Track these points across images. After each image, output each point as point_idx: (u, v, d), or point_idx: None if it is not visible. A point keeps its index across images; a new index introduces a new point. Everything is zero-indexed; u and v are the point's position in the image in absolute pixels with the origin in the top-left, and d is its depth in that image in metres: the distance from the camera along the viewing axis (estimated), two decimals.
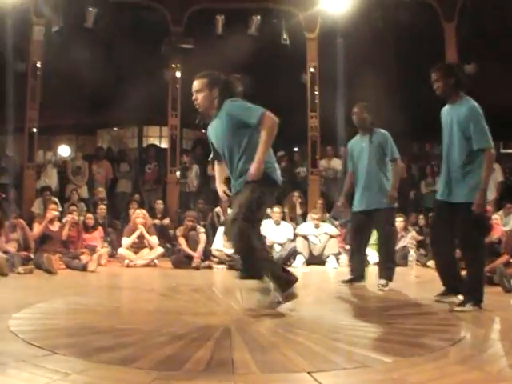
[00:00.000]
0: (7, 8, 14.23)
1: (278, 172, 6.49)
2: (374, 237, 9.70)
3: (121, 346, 4.85)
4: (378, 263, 9.22)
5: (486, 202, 6.67)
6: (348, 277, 9.20)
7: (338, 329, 5.80)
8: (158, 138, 23.61)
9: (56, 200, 14.32)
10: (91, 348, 4.74)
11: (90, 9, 15.44)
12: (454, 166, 6.82)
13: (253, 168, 6.04)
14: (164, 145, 20.57)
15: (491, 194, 12.85)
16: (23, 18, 14.91)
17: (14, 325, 5.57)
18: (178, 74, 16.55)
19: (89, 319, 6.07)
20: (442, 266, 7.21)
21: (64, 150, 21.89)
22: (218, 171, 6.92)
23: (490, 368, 4.28)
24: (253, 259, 6.20)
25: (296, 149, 20.02)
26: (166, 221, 15.13)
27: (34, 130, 15.40)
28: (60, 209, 13.87)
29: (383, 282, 8.69)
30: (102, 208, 14.55)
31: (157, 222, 14.71)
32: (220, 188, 6.84)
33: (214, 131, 6.47)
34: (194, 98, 6.40)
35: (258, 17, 16.14)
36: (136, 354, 4.59)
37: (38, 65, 15.43)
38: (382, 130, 9.02)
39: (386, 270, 8.82)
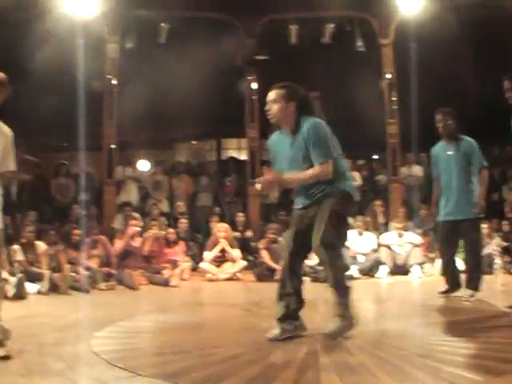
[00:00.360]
0: (80, 26, 14.31)
1: (351, 183, 6.14)
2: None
3: (206, 366, 4.74)
4: (464, 272, 8.92)
5: None
6: (445, 288, 8.92)
7: (425, 344, 5.56)
8: (237, 150, 23.54)
9: (137, 215, 14.31)
10: (176, 368, 4.64)
11: (163, 24, 15.44)
12: None
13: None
14: (243, 157, 20.46)
15: None
16: (96, 36, 14.98)
17: (96, 345, 5.51)
18: (255, 86, 16.43)
19: (172, 338, 5.98)
20: None
21: (143, 165, 21.96)
22: None
23: None
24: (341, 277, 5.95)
25: (375, 156, 19.71)
26: (248, 233, 14.99)
27: (113, 146, 15.43)
28: (141, 224, 13.87)
29: (470, 292, 8.43)
30: (183, 222, 14.48)
31: (238, 234, 14.59)
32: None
33: (281, 144, 6.11)
34: (267, 107, 6.06)
35: (332, 25, 15.89)
36: (222, 374, 4.47)
37: (114, 82, 15.48)
38: (468, 138, 8.74)
39: (473, 279, 8.56)
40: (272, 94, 6.01)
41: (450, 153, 8.78)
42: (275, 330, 5.73)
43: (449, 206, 8.73)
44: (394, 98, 15.97)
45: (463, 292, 8.53)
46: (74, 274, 10.65)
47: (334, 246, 5.72)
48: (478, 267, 8.70)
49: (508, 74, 6.67)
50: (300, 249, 5.90)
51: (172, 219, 15.46)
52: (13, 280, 9.35)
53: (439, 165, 9.00)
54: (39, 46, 14.34)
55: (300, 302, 5.97)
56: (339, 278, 5.78)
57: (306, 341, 5.57)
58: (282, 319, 5.78)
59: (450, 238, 8.86)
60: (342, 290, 5.74)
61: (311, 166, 5.78)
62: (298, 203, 6.01)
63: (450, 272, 8.92)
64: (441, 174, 8.94)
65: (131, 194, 16.46)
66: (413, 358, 4.97)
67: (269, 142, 6.33)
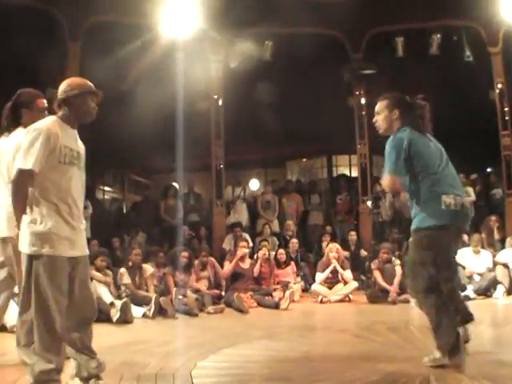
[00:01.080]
0: (183, 46, 14.28)
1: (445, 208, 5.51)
2: None
3: None
4: None
5: None
6: None
7: None
8: (348, 167, 23.23)
9: (247, 236, 14.14)
10: None
11: (267, 42, 15.26)
12: None
13: None
14: (354, 173, 20.12)
15: None
16: (200, 56, 14.93)
17: (197, 376, 5.26)
18: (363, 101, 16.08)
19: (278, 368, 5.67)
20: None
21: (254, 184, 21.85)
22: None
23: None
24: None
25: (489, 169, 19.03)
26: (363, 252, 14.59)
27: (221, 166, 15.30)
28: (251, 244, 13.67)
29: None
30: (294, 242, 14.25)
31: (350, 254, 14.22)
32: None
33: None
34: (374, 119, 5.96)
35: (438, 35, 15.45)
36: None
37: (220, 101, 15.37)
38: None
39: None
40: (377, 106, 5.93)
41: None
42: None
43: None
44: (506, 109, 15.37)
45: None
46: (181, 297, 10.46)
47: None
48: None
49: None
50: None
51: (283, 239, 15.22)
52: (118, 304, 9.23)
53: None
54: (145, 67, 14.37)
55: None
56: None
57: (419, 371, 5.13)
58: None
59: None
60: None
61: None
62: None
63: None
64: None
65: (241, 215, 16.30)
66: None
67: None
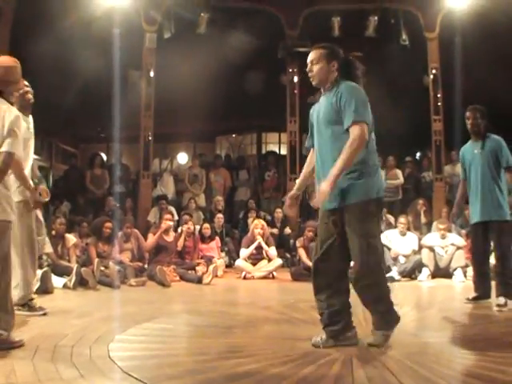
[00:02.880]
0: (117, 16, 14.08)
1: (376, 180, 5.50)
2: None
3: (228, 380, 4.33)
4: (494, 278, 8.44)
5: None
6: (473, 295, 8.51)
7: (464, 360, 5.12)
8: (278, 145, 23.20)
9: (172, 209, 14.06)
10: (196, 381, 4.28)
11: (202, 14, 15.11)
12: None
13: (322, 186, 5.16)
14: (283, 151, 20.12)
15: None
16: (134, 26, 14.72)
17: (114, 349, 5.18)
18: (296, 79, 16.04)
19: (197, 343, 5.64)
20: None
21: (182, 158, 21.72)
22: (307, 163, 6.00)
23: None
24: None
25: (418, 154, 19.24)
26: (286, 230, 14.62)
27: (149, 137, 15.12)
28: (176, 218, 13.59)
29: (502, 300, 7.89)
30: (220, 217, 14.25)
31: (276, 231, 14.25)
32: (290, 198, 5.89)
33: (317, 112, 5.64)
34: (308, 69, 5.69)
35: (376, 17, 15.46)
36: None
37: (152, 72, 15.18)
38: (496, 136, 8.33)
39: (505, 286, 8.02)
40: (312, 55, 5.71)
41: (476, 151, 8.42)
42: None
43: (476, 208, 8.35)
44: (439, 95, 15.53)
45: (495, 300, 8.04)
46: (103, 269, 10.35)
47: None
48: (508, 273, 8.19)
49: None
50: None
51: (209, 214, 15.18)
52: (38, 273, 9.07)
53: (465, 164, 8.64)
54: (76, 37, 14.09)
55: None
56: None
57: (341, 352, 5.13)
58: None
59: (480, 241, 8.46)
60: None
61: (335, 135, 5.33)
62: None
63: (479, 278, 8.55)
64: (468, 173, 8.53)
65: (168, 188, 16.21)
66: (454, 375, 4.58)
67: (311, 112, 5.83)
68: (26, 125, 6.68)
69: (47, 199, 7.11)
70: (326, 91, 5.59)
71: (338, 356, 5.00)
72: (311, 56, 5.68)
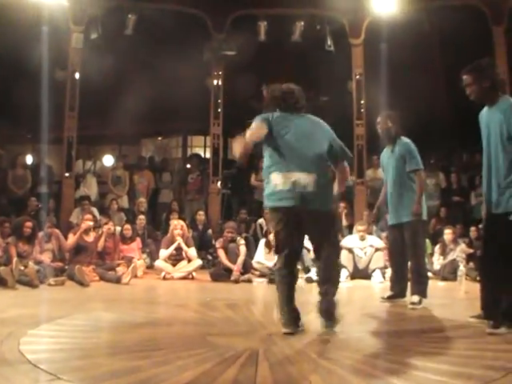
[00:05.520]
0: (44, 15, 14.01)
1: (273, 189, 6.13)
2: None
3: (135, 371, 4.45)
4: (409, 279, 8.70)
5: None
6: (388, 293, 8.75)
7: (376, 355, 5.29)
8: (203, 148, 23.29)
9: (93, 210, 14.07)
10: (101, 372, 4.38)
11: (130, 16, 15.11)
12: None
13: None
14: (208, 155, 20.23)
15: None
16: (61, 26, 14.65)
17: (25, 343, 5.24)
18: (220, 82, 16.15)
19: (107, 338, 5.75)
20: None
21: (107, 160, 21.65)
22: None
23: None
24: None
25: None
26: (210, 232, 14.74)
27: (73, 138, 15.06)
28: (97, 219, 13.58)
29: (416, 299, 8.15)
30: (141, 219, 14.27)
31: (198, 233, 14.36)
32: None
33: None
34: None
35: (302, 23, 15.66)
36: (150, 380, 4.19)
37: (77, 73, 15.13)
38: (405, 139, 8.55)
39: (418, 285, 8.29)
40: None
41: (388, 156, 8.71)
42: None
43: (391, 210, 8.68)
44: (362, 101, 15.81)
45: (409, 298, 8.29)
46: (23, 268, 10.31)
47: None
48: (423, 272, 8.47)
49: (466, 68, 6.35)
50: None
51: (131, 215, 15.20)
52: None
53: (383, 168, 9.00)
54: (1, 34, 13.99)
55: None
56: None
57: (249, 346, 5.29)
58: None
59: (396, 242, 8.70)
60: None
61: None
62: None
63: (395, 277, 8.80)
64: (386, 177, 8.89)
65: (91, 189, 16.15)
66: (362, 368, 4.73)
67: None
68: None
69: None
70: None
71: (245, 349, 5.14)
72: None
